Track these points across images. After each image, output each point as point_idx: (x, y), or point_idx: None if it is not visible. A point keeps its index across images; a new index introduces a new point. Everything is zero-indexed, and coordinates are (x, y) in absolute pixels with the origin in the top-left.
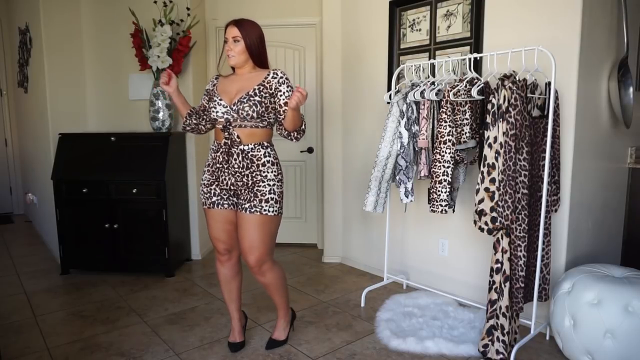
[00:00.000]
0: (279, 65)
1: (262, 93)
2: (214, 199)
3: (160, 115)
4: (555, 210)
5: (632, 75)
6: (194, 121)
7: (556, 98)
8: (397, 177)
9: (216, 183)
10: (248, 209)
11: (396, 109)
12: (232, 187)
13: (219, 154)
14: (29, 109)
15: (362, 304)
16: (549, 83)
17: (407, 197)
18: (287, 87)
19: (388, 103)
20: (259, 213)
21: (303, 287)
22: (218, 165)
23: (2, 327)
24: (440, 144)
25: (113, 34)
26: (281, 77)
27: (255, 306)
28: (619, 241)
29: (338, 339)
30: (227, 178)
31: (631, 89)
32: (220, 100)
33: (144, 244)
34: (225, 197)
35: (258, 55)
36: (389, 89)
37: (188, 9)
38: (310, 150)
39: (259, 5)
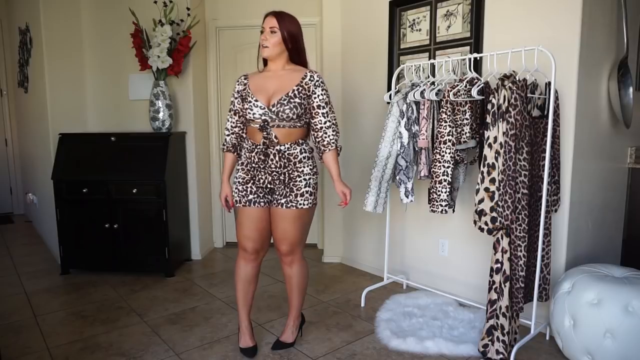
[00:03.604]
0: None
1: (300, 95)
2: (250, 197)
3: (160, 115)
4: (555, 210)
5: (632, 75)
6: (237, 141)
7: (556, 98)
8: (397, 177)
9: (252, 181)
10: (284, 204)
11: (396, 109)
12: (268, 185)
13: (254, 154)
14: (29, 109)
15: (362, 304)
16: (549, 83)
17: (407, 197)
18: (322, 90)
19: (388, 103)
20: (294, 208)
21: None
22: (254, 165)
23: (2, 327)
24: (440, 144)
25: (113, 34)
26: (317, 80)
27: (255, 306)
28: (619, 241)
29: (338, 339)
30: (263, 177)
31: (631, 89)
32: (257, 101)
33: (144, 244)
34: (261, 195)
35: (296, 50)
36: (389, 89)
37: (188, 9)
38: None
39: (259, 6)
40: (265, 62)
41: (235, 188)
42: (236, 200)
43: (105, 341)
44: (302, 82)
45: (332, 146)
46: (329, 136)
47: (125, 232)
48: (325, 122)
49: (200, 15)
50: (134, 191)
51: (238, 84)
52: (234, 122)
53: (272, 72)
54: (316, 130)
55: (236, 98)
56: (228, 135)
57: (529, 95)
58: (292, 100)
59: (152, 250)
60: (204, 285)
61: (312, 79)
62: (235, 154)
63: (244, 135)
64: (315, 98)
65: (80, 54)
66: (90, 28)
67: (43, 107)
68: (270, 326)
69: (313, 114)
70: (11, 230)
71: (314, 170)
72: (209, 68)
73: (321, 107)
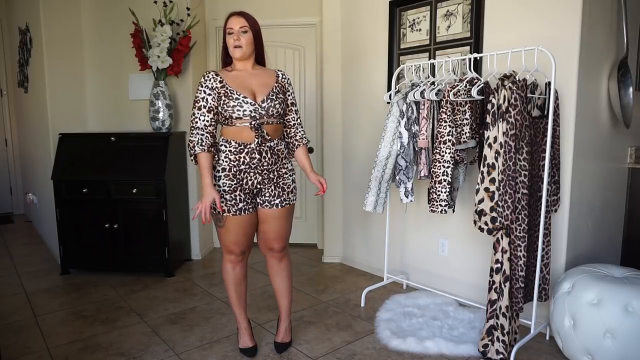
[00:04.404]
0: (279, 66)
1: (281, 91)
2: (240, 205)
3: (160, 115)
4: (555, 210)
5: (632, 75)
6: (213, 140)
7: (556, 98)
8: (397, 177)
9: (239, 187)
10: (279, 204)
11: (396, 109)
12: (257, 186)
13: (244, 154)
14: (29, 109)
15: (362, 304)
16: (549, 83)
17: (407, 197)
18: (292, 88)
19: (388, 103)
20: (288, 205)
21: (303, 287)
22: (243, 167)
23: (2, 327)
24: (440, 144)
25: (113, 34)
26: (289, 79)
27: (255, 306)
28: (619, 241)
29: (338, 339)
30: (252, 178)
31: (631, 89)
32: (245, 97)
33: (144, 244)
34: (249, 200)
35: (260, 49)
36: (389, 89)
37: (188, 9)
38: (310, 150)
39: (258, 6)
40: (229, 63)
41: (222, 197)
42: (222, 210)
43: (105, 341)
44: (278, 79)
45: (305, 140)
46: (300, 132)
47: (125, 232)
48: (297, 119)
49: (200, 15)
50: (134, 191)
51: (210, 81)
52: (207, 121)
53: (243, 71)
54: (289, 126)
55: (209, 95)
56: (202, 135)
57: (529, 95)
58: (278, 97)
59: (152, 250)
60: (203, 285)
61: (284, 76)
62: (212, 154)
63: (216, 135)
64: (289, 96)
65: (80, 54)
66: (90, 28)
67: (43, 107)
68: (270, 326)
69: (287, 111)
70: (11, 230)
71: (293, 165)
72: (208, 68)
73: (294, 105)
